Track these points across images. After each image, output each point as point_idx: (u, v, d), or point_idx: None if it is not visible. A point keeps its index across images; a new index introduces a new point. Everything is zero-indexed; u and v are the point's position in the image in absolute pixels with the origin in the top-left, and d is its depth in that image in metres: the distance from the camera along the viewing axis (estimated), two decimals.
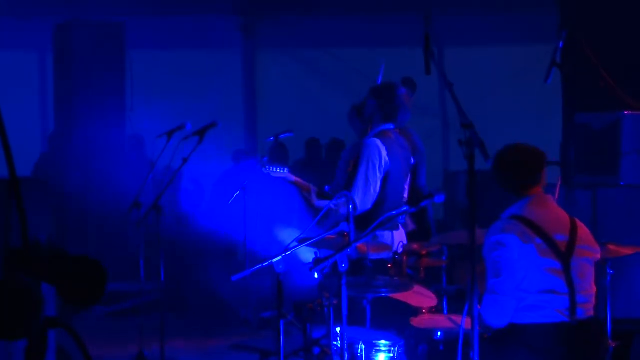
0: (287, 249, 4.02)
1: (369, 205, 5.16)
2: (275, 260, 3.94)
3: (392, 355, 4.19)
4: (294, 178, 5.52)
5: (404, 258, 4.87)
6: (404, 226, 5.67)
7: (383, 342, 4.22)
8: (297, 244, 4.17)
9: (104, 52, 9.75)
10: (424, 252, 5.00)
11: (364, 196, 5.14)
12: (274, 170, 5.51)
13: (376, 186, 5.22)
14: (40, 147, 10.93)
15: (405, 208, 3.85)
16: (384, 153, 5.24)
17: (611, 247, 4.57)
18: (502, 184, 4.01)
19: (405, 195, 5.67)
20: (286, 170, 5.57)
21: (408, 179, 5.63)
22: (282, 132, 6.84)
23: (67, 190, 9.51)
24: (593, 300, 3.91)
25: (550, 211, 3.93)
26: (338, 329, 4.17)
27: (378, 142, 5.26)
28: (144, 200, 6.36)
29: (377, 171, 5.21)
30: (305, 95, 11.77)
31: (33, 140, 11.04)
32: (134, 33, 10.14)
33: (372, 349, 4.19)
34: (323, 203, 5.26)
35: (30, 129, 11.00)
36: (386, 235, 5.14)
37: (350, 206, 4.29)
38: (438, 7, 10.59)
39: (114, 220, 8.95)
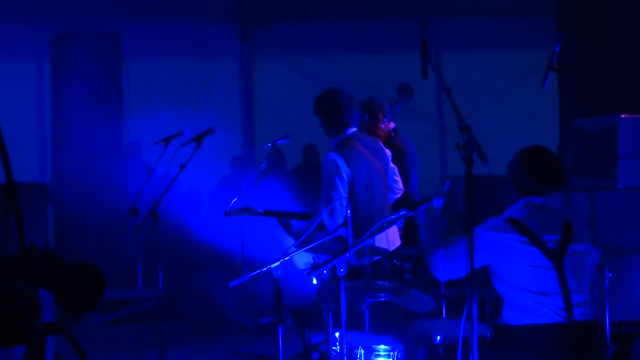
0: (285, 254, 4.01)
1: (340, 220, 5.14)
2: (273, 265, 3.93)
3: (391, 359, 4.19)
4: (260, 209, 5.57)
5: (402, 262, 4.87)
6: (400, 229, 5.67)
7: (382, 346, 4.21)
8: (295, 249, 4.17)
9: (101, 61, 9.76)
10: (422, 257, 4.99)
11: (332, 214, 5.14)
12: (235, 211, 5.58)
13: (341, 200, 5.22)
14: (38, 155, 10.95)
15: (403, 212, 3.84)
16: (343, 165, 5.24)
17: (609, 250, 4.57)
18: (522, 178, 3.96)
19: (397, 193, 5.67)
20: (249, 206, 5.63)
21: (388, 178, 5.60)
22: (279, 138, 6.83)
23: (65, 197, 9.52)
24: (591, 302, 3.91)
25: (543, 213, 3.93)
26: (337, 334, 4.17)
27: (335, 155, 5.28)
28: (141, 207, 6.35)
29: (339, 185, 5.22)
30: (302, 101, 11.73)
31: (31, 148, 11.04)
32: (131, 41, 10.15)
33: (371, 353, 4.19)
34: (299, 225, 5.27)
35: (27, 136, 11.01)
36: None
37: (349, 211, 4.29)
38: (435, 13, 10.62)
39: (112, 228, 8.96)
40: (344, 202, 5.20)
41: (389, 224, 4.07)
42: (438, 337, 4.24)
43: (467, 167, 3.24)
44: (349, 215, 4.21)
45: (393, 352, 4.20)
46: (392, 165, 5.68)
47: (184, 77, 11.49)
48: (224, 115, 11.08)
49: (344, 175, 5.23)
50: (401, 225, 5.68)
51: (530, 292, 3.80)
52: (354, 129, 5.42)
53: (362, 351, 4.15)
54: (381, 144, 5.71)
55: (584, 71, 7.69)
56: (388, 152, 5.66)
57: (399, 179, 5.74)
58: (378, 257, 5.03)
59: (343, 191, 5.22)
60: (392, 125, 7.02)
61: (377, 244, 5.18)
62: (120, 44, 9.95)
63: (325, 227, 5.11)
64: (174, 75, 11.46)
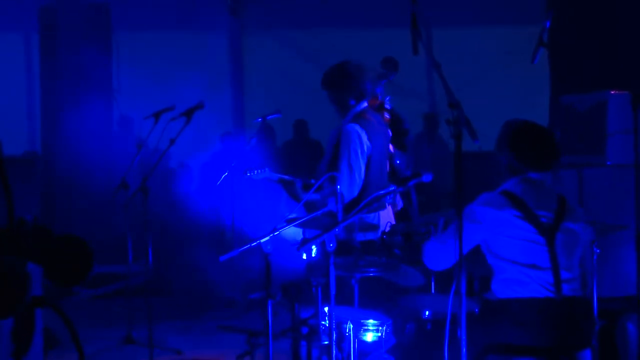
0: (275, 229, 4.01)
1: (355, 193, 5.15)
2: (263, 240, 3.93)
3: (380, 334, 4.21)
4: (276, 176, 5.52)
5: (392, 238, 4.89)
6: (393, 205, 5.67)
7: (371, 321, 4.24)
8: (285, 224, 4.17)
9: (90, 33, 9.70)
10: (411, 232, 5.00)
11: (350, 186, 5.12)
12: (256, 173, 5.54)
13: (361, 173, 5.19)
14: (27, 128, 10.90)
15: (392, 187, 3.85)
16: (365, 138, 5.20)
17: (597, 226, 4.59)
18: (512, 159, 3.96)
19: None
20: (267, 170, 5.59)
21: (387, 157, 5.63)
22: (269, 114, 6.82)
23: (54, 170, 9.49)
24: (580, 278, 3.93)
25: (539, 189, 3.94)
26: (326, 309, 4.18)
27: (357, 127, 5.21)
28: (131, 181, 6.35)
29: (360, 158, 5.18)
30: (292, 76, 11.75)
31: (19, 121, 11.00)
32: (121, 14, 10.09)
33: (360, 328, 4.21)
34: (309, 195, 5.25)
35: (17, 109, 10.96)
36: (372, 215, 5.14)
37: (338, 186, 4.29)
38: None
39: (102, 202, 8.94)
40: (362, 174, 5.18)
41: (379, 199, 4.08)
42: (426, 312, 4.26)
43: (456, 143, 3.24)
44: (338, 191, 4.22)
45: (382, 327, 4.22)
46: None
47: (174, 50, 11.44)
48: (214, 90, 11.05)
49: (365, 149, 5.21)
50: (390, 200, 5.69)
51: (521, 266, 3.82)
52: (366, 104, 5.39)
53: (351, 326, 4.17)
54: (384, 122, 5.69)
55: (574, 47, 7.69)
56: (389, 134, 5.67)
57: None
58: (369, 233, 5.06)
59: (362, 164, 5.21)
60: (387, 101, 6.97)
61: (381, 221, 5.19)
62: (109, 16, 9.89)
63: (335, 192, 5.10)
64: (163, 48, 11.40)
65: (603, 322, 4.93)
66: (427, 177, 3.75)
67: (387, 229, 4.84)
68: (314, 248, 4.81)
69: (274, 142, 10.72)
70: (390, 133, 5.70)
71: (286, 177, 5.57)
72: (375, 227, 4.99)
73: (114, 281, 8.38)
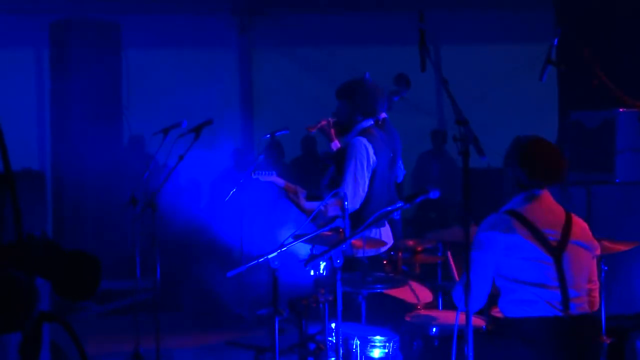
0: (282, 245, 4.02)
1: (357, 205, 5.13)
2: (270, 256, 3.94)
3: (387, 350, 4.20)
4: (282, 183, 5.52)
5: (399, 254, 4.89)
6: (390, 222, 5.66)
7: (378, 337, 4.23)
8: (292, 240, 4.18)
9: (100, 51, 9.75)
10: (419, 249, 5.01)
11: (353, 197, 5.10)
12: (263, 174, 5.54)
13: (365, 186, 5.18)
14: (37, 143, 10.96)
15: (400, 204, 3.85)
16: (371, 151, 5.20)
17: (606, 243, 4.58)
18: (520, 174, 3.94)
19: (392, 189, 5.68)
20: (274, 174, 5.58)
21: (393, 173, 5.64)
22: (278, 130, 6.82)
23: (64, 186, 9.53)
24: (587, 296, 3.92)
25: (545, 206, 3.93)
26: (333, 325, 4.18)
27: (364, 140, 5.22)
28: (140, 197, 6.36)
29: (365, 170, 5.18)
30: (301, 92, 11.78)
31: (29, 137, 11.05)
32: (130, 32, 10.14)
33: (367, 344, 4.21)
34: (313, 205, 5.23)
35: (26, 125, 11.02)
36: (374, 231, 5.13)
37: (346, 202, 4.30)
38: (434, 5, 10.61)
39: (111, 218, 8.97)
40: (366, 187, 5.18)
41: (386, 216, 4.08)
42: (434, 329, 4.26)
43: (464, 160, 3.25)
44: (346, 207, 4.23)
45: (389, 343, 4.22)
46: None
47: (183, 68, 11.49)
48: (223, 107, 11.09)
49: (371, 162, 5.21)
50: (399, 217, 5.69)
51: (529, 286, 3.81)
52: (372, 122, 5.39)
53: (358, 342, 4.17)
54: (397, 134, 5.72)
55: (582, 64, 7.69)
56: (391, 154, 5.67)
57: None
58: (375, 250, 5.05)
59: (367, 177, 5.20)
60: (382, 115, 6.90)
61: (383, 238, 5.17)
62: (119, 33, 9.94)
63: (342, 207, 5.08)
64: (172, 66, 11.45)
65: (611, 339, 4.91)
66: (434, 194, 3.75)
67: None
68: (322, 264, 4.82)
69: (282, 158, 10.74)
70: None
71: (292, 185, 5.57)
72: (380, 242, 4.99)
73: (121, 297, 8.39)
